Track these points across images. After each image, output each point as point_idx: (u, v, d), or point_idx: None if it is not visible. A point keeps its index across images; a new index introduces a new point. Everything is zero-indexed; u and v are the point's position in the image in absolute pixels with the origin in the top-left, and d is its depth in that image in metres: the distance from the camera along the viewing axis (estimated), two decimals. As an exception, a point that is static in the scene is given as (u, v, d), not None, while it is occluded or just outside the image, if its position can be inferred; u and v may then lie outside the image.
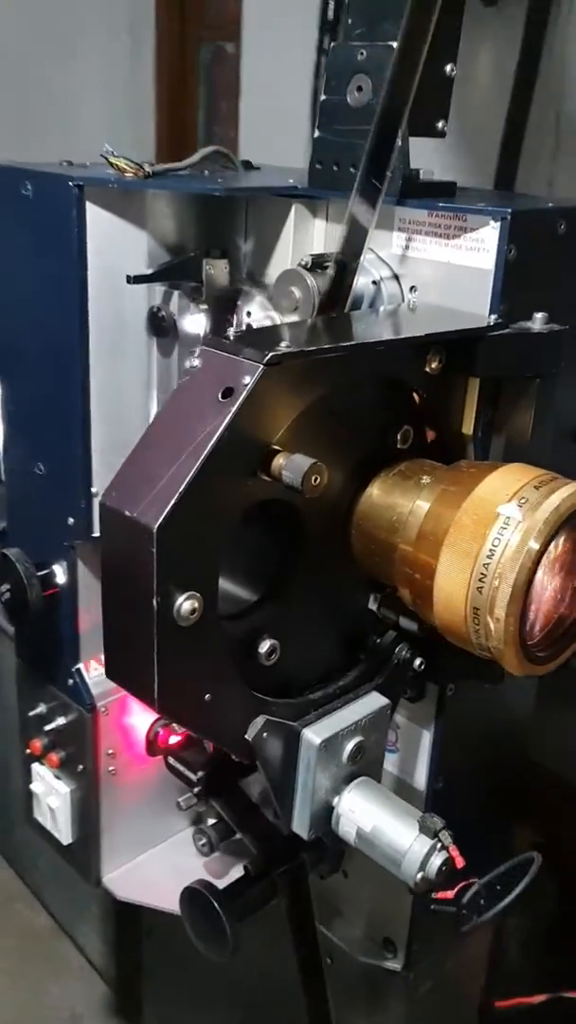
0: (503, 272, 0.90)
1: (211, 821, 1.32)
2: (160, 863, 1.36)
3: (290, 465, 0.78)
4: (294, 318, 0.98)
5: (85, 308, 1.03)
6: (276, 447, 0.79)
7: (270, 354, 0.75)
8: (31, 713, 1.30)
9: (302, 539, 0.91)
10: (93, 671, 1.23)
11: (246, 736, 0.88)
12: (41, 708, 1.28)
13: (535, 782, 1.44)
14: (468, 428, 0.96)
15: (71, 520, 1.13)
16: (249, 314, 1.09)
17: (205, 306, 1.06)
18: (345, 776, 0.95)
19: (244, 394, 0.75)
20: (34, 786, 1.32)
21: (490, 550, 0.79)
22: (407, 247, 0.98)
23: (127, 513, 0.76)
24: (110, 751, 1.25)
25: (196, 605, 0.77)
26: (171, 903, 1.29)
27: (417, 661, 1.00)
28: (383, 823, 0.93)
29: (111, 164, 1.00)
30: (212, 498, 0.76)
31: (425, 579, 0.85)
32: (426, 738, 1.13)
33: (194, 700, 0.83)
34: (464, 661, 0.91)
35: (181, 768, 1.25)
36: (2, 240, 1.08)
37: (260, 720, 0.89)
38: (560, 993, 1.34)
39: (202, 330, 1.06)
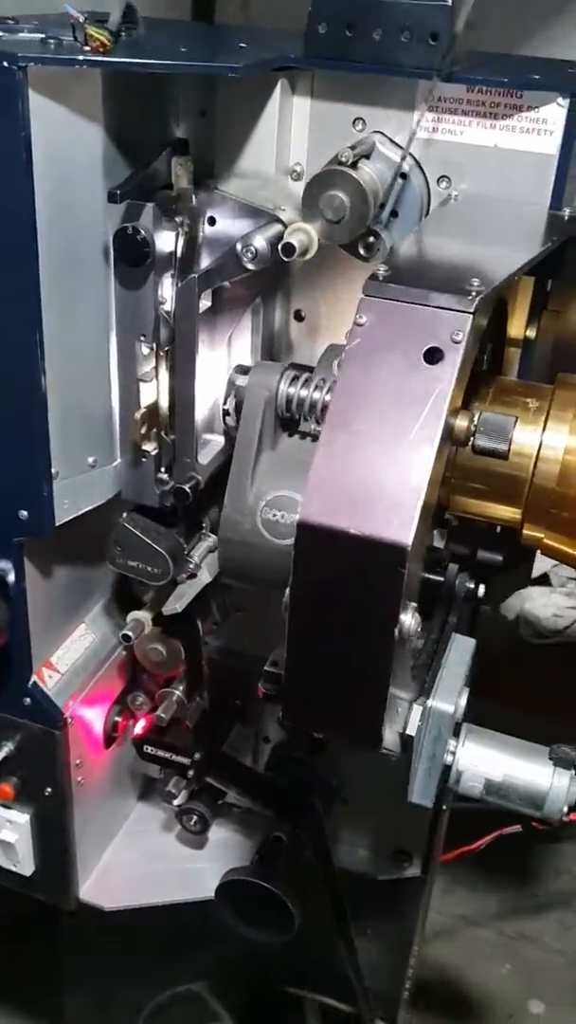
0: (568, 157, 0.79)
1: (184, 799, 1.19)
2: (127, 854, 1.20)
3: (488, 426, 0.65)
4: (337, 230, 0.79)
5: (34, 239, 0.76)
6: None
7: (476, 298, 0.61)
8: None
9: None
10: (47, 679, 1.01)
11: (408, 731, 0.77)
12: (-26, 737, 1.03)
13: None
14: (520, 332, 0.87)
15: (24, 513, 0.87)
16: (213, 221, 0.87)
17: (180, 218, 0.82)
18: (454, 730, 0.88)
19: (460, 355, 0.60)
20: (-28, 826, 1.09)
21: None
22: (434, 130, 0.82)
23: (353, 531, 0.59)
24: (77, 761, 1.05)
25: (418, 619, 0.64)
26: (166, 893, 1.17)
27: (481, 588, 0.94)
28: (513, 769, 0.88)
29: (85, 33, 0.71)
30: (434, 488, 0.62)
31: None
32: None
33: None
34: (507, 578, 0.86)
35: (167, 755, 1.09)
36: None
37: (417, 709, 0.78)
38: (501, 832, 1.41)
39: (174, 250, 0.83)
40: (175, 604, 0.98)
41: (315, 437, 0.72)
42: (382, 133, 0.84)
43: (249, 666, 1.15)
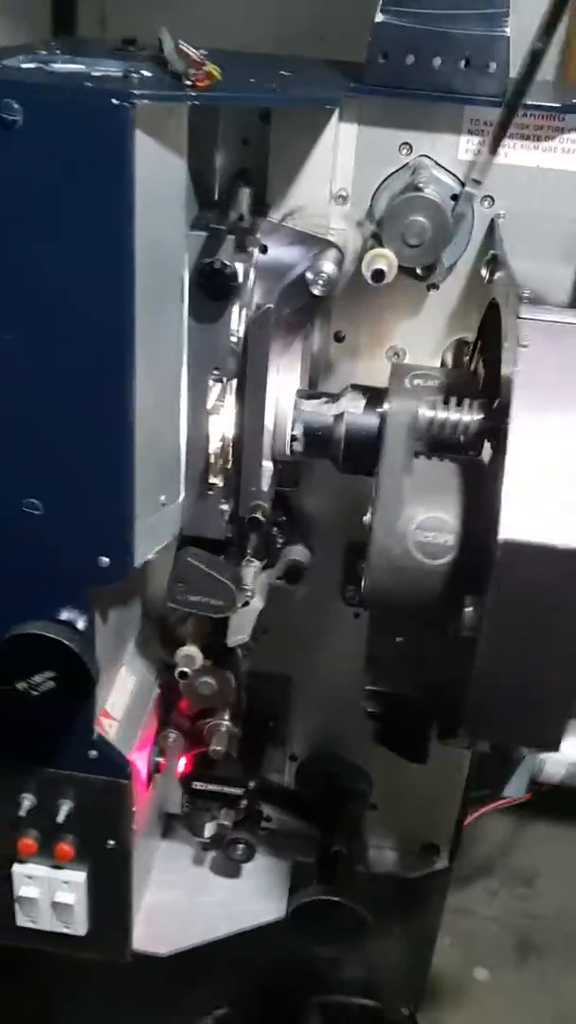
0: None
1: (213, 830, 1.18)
2: (166, 895, 1.17)
3: None
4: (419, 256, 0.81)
5: (132, 277, 0.73)
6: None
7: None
8: (8, 809, 0.98)
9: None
10: (108, 728, 0.97)
11: None
12: (28, 801, 0.98)
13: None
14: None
15: (105, 560, 0.84)
16: (264, 249, 0.87)
17: (251, 248, 0.82)
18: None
19: None
20: (24, 891, 1.03)
21: None
22: (479, 152, 0.86)
23: (561, 546, 0.62)
24: (133, 809, 1.02)
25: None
26: (217, 928, 1.15)
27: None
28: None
29: (178, 55, 0.69)
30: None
31: None
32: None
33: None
34: None
35: (218, 788, 1.08)
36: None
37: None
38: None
39: (246, 281, 0.83)
40: (240, 635, 0.97)
41: (456, 457, 0.75)
42: (428, 157, 0.87)
43: (278, 687, 1.16)
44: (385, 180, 0.88)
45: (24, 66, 0.74)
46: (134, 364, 0.77)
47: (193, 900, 1.18)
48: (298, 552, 1.02)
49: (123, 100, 0.67)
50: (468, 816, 1.26)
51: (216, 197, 0.87)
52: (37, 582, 0.85)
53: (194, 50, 0.70)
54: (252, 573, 0.98)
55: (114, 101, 0.67)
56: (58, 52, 0.81)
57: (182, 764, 1.11)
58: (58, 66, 0.74)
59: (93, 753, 0.95)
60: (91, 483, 0.82)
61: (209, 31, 0.85)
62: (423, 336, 0.95)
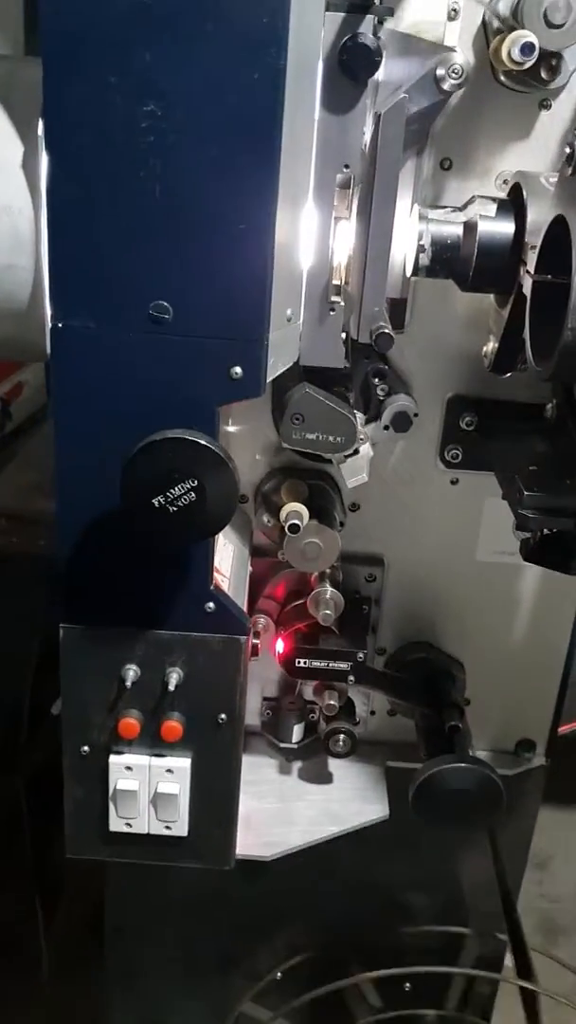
0: None
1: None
2: (258, 804, 1.09)
3: None
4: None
5: (284, 54, 0.68)
6: None
7: None
8: (107, 687, 0.89)
9: None
10: (221, 583, 0.89)
11: None
12: (133, 673, 0.89)
13: None
14: None
15: (238, 371, 0.77)
16: (383, 53, 0.83)
17: (380, 35, 0.78)
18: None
19: None
20: (123, 784, 0.93)
21: None
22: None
23: None
24: (247, 674, 0.93)
25: None
26: (322, 829, 1.07)
27: None
28: None
29: None
30: None
31: None
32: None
33: None
34: None
35: (324, 663, 1.01)
36: None
37: None
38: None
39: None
40: (360, 475, 0.92)
41: None
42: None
43: (370, 568, 1.10)
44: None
45: None
46: (279, 153, 0.71)
47: (288, 807, 1.09)
48: (403, 401, 0.97)
49: None
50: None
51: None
52: (166, 396, 0.78)
53: None
54: (360, 419, 0.93)
55: None
56: None
57: (280, 646, 1.03)
58: None
59: (210, 606, 0.87)
60: (226, 286, 0.75)
61: None
62: (534, 160, 0.92)
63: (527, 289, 0.80)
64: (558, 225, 0.72)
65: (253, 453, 1.05)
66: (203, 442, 0.75)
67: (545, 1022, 1.28)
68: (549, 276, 0.77)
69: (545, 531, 0.86)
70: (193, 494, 0.76)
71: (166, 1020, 1.36)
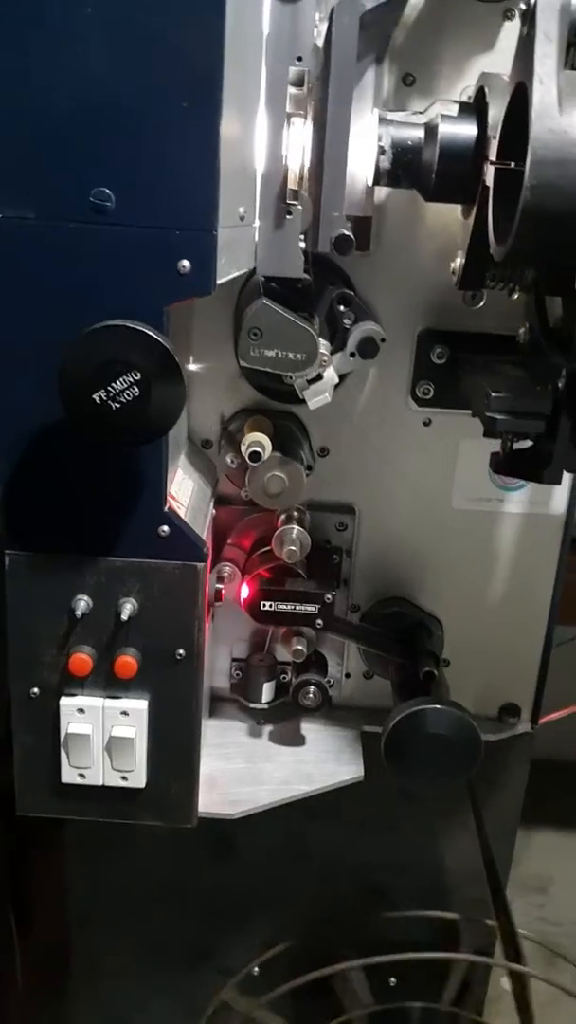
0: None
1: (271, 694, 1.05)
2: (224, 764, 1.03)
3: None
4: None
5: None
6: None
7: None
8: (56, 620, 0.84)
9: None
10: (177, 509, 0.85)
11: None
12: (84, 603, 0.84)
13: None
14: None
15: (186, 264, 0.73)
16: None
17: None
18: None
19: None
20: (75, 727, 0.87)
21: None
22: None
23: None
24: (204, 606, 0.88)
25: None
26: (290, 789, 1.01)
27: None
28: None
29: None
30: None
31: None
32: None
33: None
34: None
35: (291, 606, 0.96)
36: None
37: None
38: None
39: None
40: (322, 396, 0.87)
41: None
42: None
43: (340, 517, 1.05)
44: None
45: None
46: (224, 30, 0.68)
47: (257, 767, 1.03)
48: (370, 325, 0.93)
49: None
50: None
51: None
52: (111, 292, 0.74)
53: None
54: (323, 344, 0.89)
55: None
56: None
57: (245, 591, 0.98)
58: None
59: (164, 529, 0.82)
60: (171, 172, 0.72)
61: None
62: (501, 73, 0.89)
63: (489, 179, 0.76)
64: (518, 93, 0.69)
65: (217, 393, 1.01)
66: (146, 331, 0.71)
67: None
68: (512, 164, 0.74)
69: (515, 446, 0.82)
70: (136, 388, 0.71)
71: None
